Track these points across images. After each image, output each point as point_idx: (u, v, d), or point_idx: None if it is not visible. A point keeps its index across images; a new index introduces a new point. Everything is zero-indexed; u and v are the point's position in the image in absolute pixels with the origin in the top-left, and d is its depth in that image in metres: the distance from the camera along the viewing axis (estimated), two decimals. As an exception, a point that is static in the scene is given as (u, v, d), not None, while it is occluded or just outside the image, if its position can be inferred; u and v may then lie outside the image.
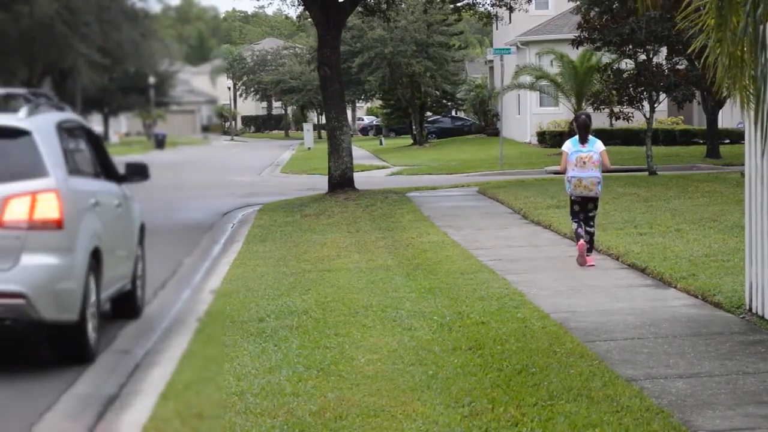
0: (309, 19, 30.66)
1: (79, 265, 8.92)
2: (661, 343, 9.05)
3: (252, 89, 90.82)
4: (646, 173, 28.86)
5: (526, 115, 53.32)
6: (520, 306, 10.72)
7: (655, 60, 28.99)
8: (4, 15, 18.39)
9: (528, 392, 7.46)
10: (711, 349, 8.78)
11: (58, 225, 8.70)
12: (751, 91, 7.77)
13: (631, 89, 29.00)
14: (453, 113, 73.20)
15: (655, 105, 29.66)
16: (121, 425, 7.29)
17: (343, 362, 8.52)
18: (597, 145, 13.70)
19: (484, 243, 16.17)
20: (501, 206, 22.37)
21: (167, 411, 7.38)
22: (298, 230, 18.67)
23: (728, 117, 42.67)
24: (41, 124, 9.21)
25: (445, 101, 66.45)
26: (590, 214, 13.90)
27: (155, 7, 17.91)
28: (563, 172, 14.01)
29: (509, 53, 44.12)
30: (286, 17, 64.68)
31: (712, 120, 36.90)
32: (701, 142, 43.14)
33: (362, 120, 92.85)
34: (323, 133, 65.06)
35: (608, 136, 45.90)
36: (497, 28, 52.84)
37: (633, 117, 31.99)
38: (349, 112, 48.53)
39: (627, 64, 30.10)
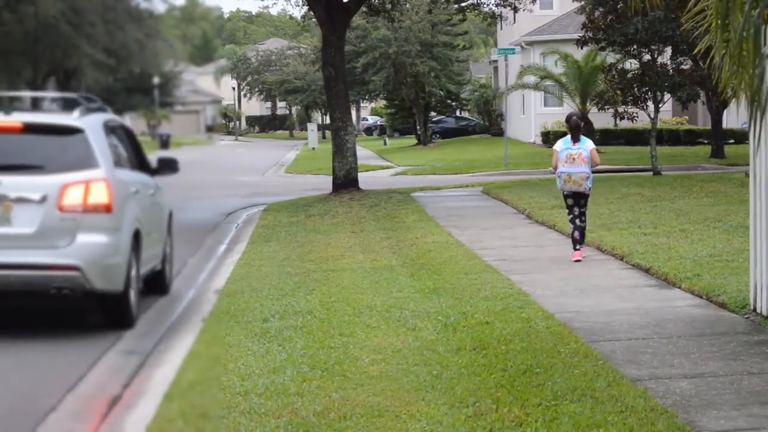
0: (313, 20, 30.64)
1: (124, 244, 10.35)
2: (666, 343, 9.04)
3: (256, 89, 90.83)
4: (651, 173, 28.87)
5: (530, 115, 53.30)
6: (525, 306, 10.72)
7: (659, 60, 28.97)
8: (9, 15, 18.39)
9: (532, 392, 7.46)
10: (715, 349, 8.77)
11: (107, 209, 10.07)
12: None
13: (636, 89, 29.00)
14: (457, 113, 73.16)
15: (660, 105, 29.63)
16: (125, 426, 7.29)
17: (348, 362, 8.51)
18: (587, 144, 14.10)
19: (488, 243, 16.16)
20: (505, 206, 22.36)
21: (171, 411, 7.38)
22: (302, 230, 18.68)
23: (733, 117, 42.61)
24: (92, 123, 10.63)
25: (449, 101, 66.36)
26: (582, 210, 14.14)
27: (160, 8, 17.90)
28: (555, 170, 14.21)
29: (513, 53, 44.07)
30: (291, 17, 64.50)
31: (717, 120, 36.86)
32: (706, 142, 43.15)
33: (366, 120, 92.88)
34: (327, 133, 65.02)
35: (612, 136, 46.11)
36: (501, 28, 52.79)
37: (637, 117, 32.03)
38: (353, 112, 48.46)
39: (631, 64, 30.05)
